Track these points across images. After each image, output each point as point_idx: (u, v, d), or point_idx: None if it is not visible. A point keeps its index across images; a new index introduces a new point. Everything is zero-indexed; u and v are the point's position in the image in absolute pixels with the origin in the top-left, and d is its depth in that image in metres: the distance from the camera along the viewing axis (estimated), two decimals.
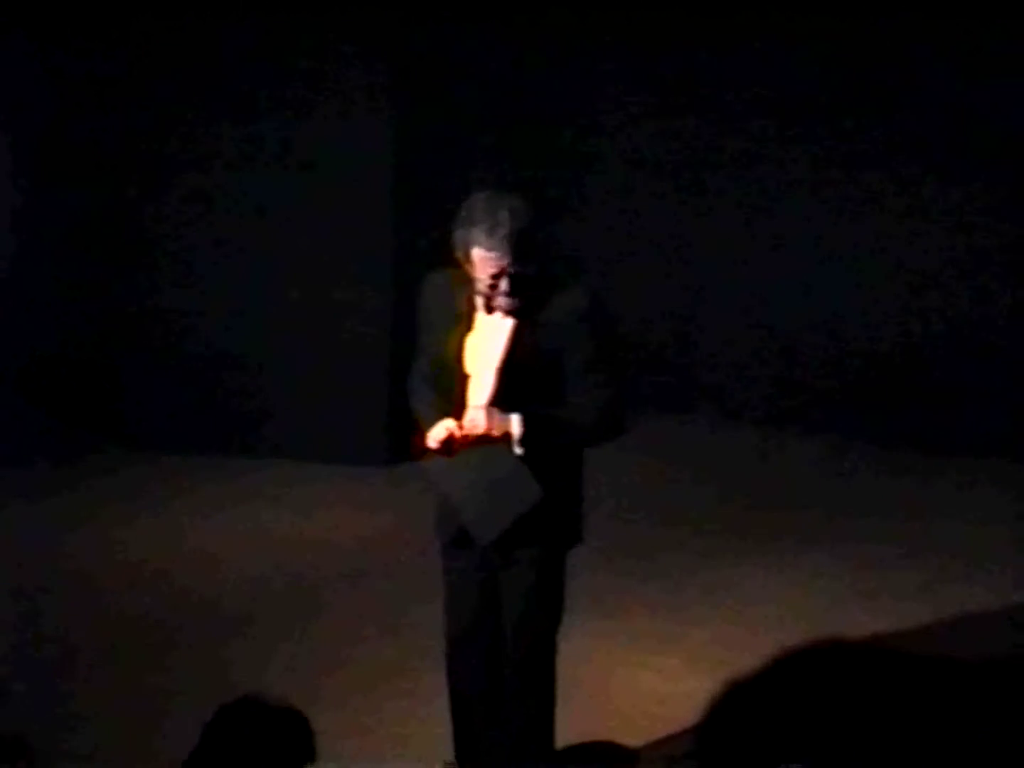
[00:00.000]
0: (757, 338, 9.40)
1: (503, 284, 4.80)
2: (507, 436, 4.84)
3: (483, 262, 4.77)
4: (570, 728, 5.45)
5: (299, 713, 3.50)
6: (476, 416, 4.86)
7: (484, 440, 4.85)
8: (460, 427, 4.86)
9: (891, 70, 8.81)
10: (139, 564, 7.42)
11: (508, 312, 4.87)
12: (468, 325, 4.95)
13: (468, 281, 4.87)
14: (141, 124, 8.78)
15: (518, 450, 4.85)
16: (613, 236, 9.57)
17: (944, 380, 8.94)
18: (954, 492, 8.33)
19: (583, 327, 4.88)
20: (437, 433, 4.89)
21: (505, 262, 4.75)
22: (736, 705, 1.56)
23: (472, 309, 4.94)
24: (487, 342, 4.93)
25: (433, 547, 5.35)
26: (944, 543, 7.63)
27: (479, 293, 4.88)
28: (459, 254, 4.84)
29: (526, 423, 4.83)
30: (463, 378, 4.96)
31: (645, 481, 8.52)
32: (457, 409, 4.93)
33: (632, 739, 5.76)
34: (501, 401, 4.88)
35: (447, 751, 5.33)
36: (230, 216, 8.73)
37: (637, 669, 6.33)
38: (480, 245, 4.75)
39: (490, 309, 4.90)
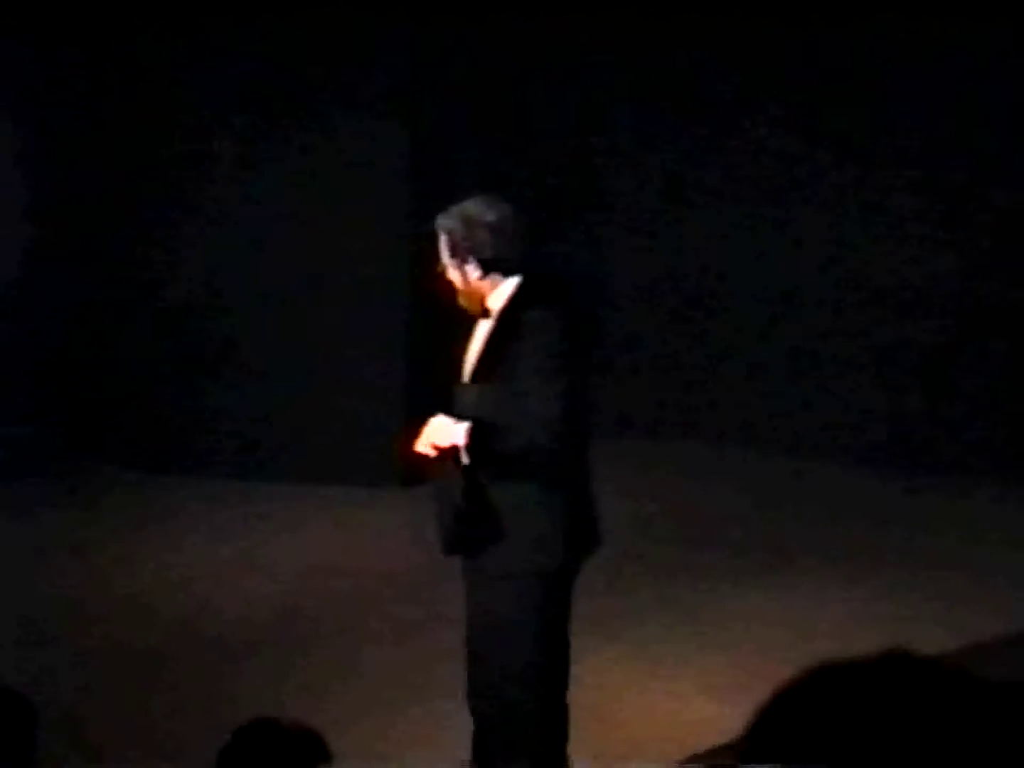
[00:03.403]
0: (774, 360, 9.39)
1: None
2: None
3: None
4: (583, 752, 5.42)
5: (316, 733, 3.48)
6: (428, 428, 4.83)
7: (448, 452, 4.79)
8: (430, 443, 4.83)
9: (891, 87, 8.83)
10: (152, 588, 7.42)
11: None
12: (468, 335, 5.02)
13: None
14: (152, 133, 8.80)
15: (465, 460, 4.80)
16: (629, 256, 9.59)
17: (965, 400, 8.93)
18: (968, 514, 8.32)
19: (535, 338, 4.77)
20: (411, 448, 4.88)
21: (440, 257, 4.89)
22: (749, 729, 1.55)
23: (475, 320, 5.00)
24: (472, 352, 4.97)
25: (447, 568, 5.34)
26: (959, 566, 7.61)
27: None
28: None
29: (470, 433, 4.76)
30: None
31: (660, 504, 8.50)
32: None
33: (646, 763, 5.73)
34: (477, 411, 4.83)
35: None
36: (245, 239, 8.74)
37: (651, 693, 6.30)
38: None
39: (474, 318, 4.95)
